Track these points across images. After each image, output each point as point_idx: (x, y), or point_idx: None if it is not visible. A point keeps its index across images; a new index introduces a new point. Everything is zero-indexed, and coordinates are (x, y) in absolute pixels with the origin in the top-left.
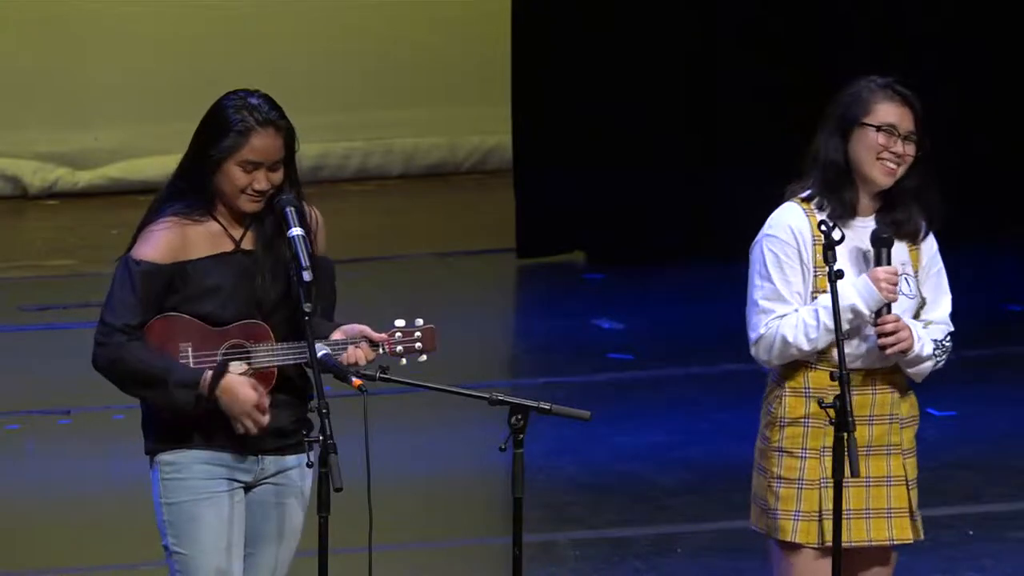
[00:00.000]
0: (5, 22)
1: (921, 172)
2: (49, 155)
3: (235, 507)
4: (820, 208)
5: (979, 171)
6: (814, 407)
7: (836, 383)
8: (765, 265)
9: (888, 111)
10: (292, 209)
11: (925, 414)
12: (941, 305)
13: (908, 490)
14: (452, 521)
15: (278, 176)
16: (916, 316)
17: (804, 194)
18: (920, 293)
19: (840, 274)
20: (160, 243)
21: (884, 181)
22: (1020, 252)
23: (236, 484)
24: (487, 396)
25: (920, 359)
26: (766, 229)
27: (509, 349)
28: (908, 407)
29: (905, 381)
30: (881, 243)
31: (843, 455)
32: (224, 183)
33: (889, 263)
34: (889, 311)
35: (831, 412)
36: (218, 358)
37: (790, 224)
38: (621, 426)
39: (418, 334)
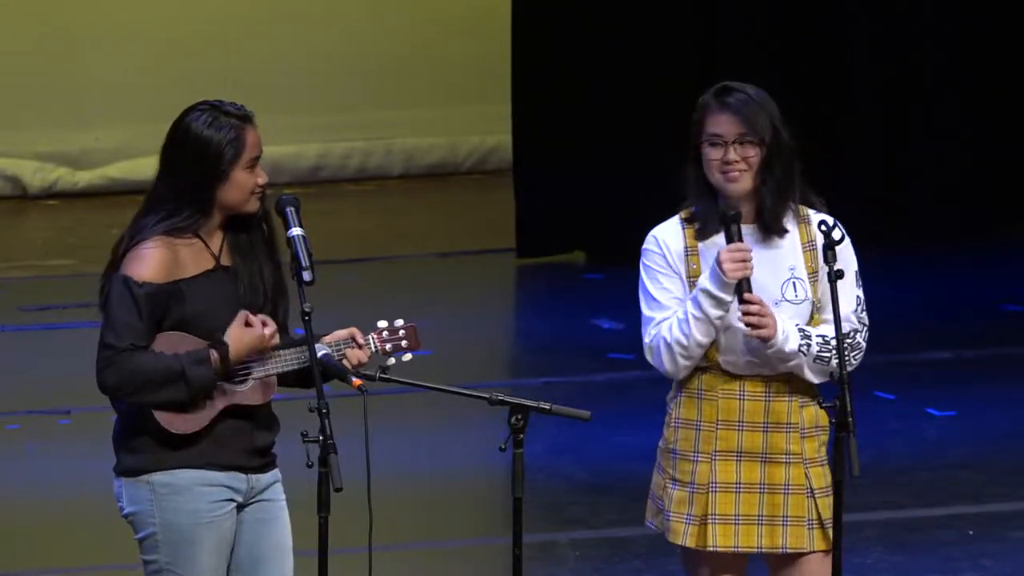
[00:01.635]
0: (5, 22)
1: (774, 168)
2: (49, 155)
3: (230, 528)
4: (698, 226)
5: (978, 170)
6: (707, 411)
7: (726, 387)
8: (642, 278)
9: (711, 123)
10: (292, 209)
11: (925, 414)
12: (842, 303)
13: (812, 500)
14: (452, 521)
15: None
16: (812, 318)
17: (694, 208)
18: (812, 296)
19: (840, 274)
20: (155, 262)
21: (732, 189)
22: (1020, 252)
23: (231, 504)
24: (487, 396)
25: (784, 353)
26: (642, 245)
27: (509, 349)
28: (810, 418)
29: (806, 391)
30: (727, 220)
31: (843, 456)
32: (232, 193)
33: (739, 239)
34: (749, 288)
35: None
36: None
37: (656, 236)
38: (621, 426)
39: (402, 332)
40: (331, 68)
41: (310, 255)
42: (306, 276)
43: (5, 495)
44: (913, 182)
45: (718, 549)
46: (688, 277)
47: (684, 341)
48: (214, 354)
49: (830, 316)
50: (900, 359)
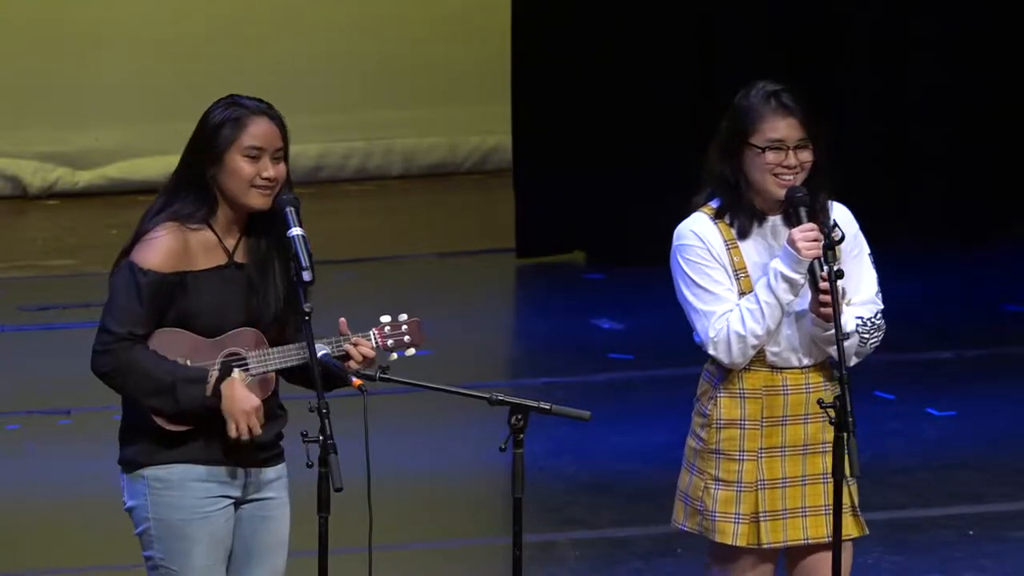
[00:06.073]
0: (5, 22)
1: (821, 170)
2: (49, 155)
3: (225, 524)
4: (730, 222)
5: (978, 170)
6: (751, 409)
7: (770, 384)
8: (687, 273)
9: (773, 126)
10: (292, 209)
11: (925, 414)
12: (864, 285)
13: (847, 486)
14: (452, 521)
15: (282, 169)
16: None
17: (714, 204)
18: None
19: (840, 274)
20: (163, 250)
21: (782, 193)
22: (1020, 252)
23: (227, 500)
24: (487, 396)
25: (844, 333)
26: (675, 241)
27: (509, 349)
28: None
29: (833, 379)
30: (796, 202)
31: (843, 454)
32: (230, 180)
33: (808, 220)
34: (821, 267)
35: (830, 412)
36: (217, 363)
37: (692, 230)
38: (621, 426)
39: (405, 327)
40: (331, 68)
41: (310, 255)
42: (306, 276)
43: (5, 495)
44: (913, 182)
45: (772, 546)
46: (734, 270)
47: (759, 331)
48: (214, 375)
49: (856, 298)
50: (900, 359)
